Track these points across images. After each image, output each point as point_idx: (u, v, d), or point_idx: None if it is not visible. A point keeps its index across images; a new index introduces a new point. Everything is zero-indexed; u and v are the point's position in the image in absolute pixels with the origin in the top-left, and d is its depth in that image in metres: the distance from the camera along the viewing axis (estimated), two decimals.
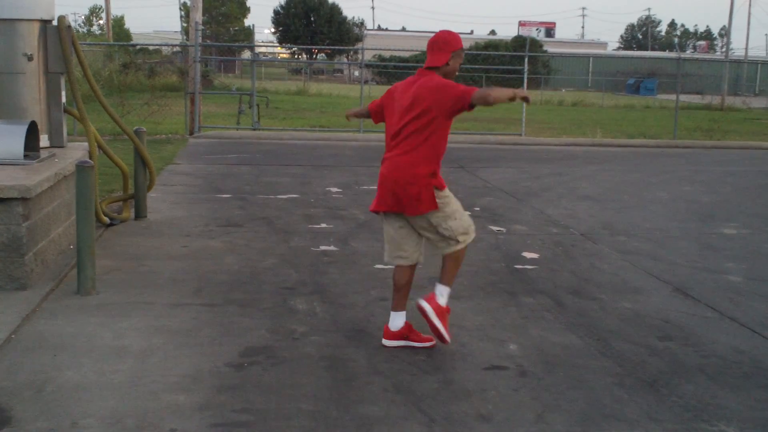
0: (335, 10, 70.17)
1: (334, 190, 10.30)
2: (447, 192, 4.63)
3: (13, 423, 3.59)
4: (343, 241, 7.43)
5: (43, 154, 6.53)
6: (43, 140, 6.84)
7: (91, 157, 7.01)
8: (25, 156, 6.18)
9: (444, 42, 4.56)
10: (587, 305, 5.73)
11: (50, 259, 6.08)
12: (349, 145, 16.39)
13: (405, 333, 4.73)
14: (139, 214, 8.09)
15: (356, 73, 56.79)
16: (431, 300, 4.63)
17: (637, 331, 5.21)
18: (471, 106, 4.41)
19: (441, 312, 4.63)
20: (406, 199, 4.53)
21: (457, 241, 4.63)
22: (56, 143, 7.06)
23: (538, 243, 7.66)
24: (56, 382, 4.03)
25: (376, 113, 4.90)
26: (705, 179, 12.83)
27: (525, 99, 4.39)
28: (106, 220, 7.54)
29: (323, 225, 8.15)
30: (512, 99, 4.31)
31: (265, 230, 7.79)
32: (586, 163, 14.51)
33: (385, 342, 4.74)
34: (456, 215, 4.63)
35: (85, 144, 7.34)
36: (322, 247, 7.18)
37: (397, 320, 4.74)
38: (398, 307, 4.74)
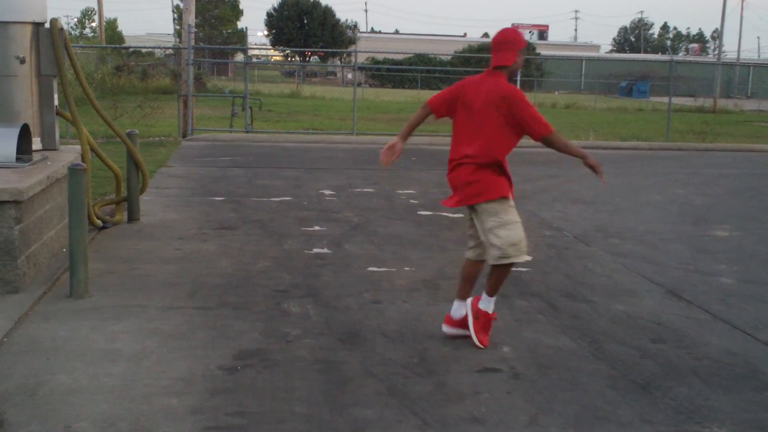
0: (328, 12, 70.20)
1: (328, 192, 10.30)
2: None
3: (6, 427, 3.58)
4: (336, 244, 7.43)
5: (36, 157, 6.51)
6: (36, 143, 6.82)
7: (83, 160, 6.99)
8: (17, 159, 6.17)
9: (513, 41, 4.73)
10: (580, 308, 5.74)
11: (43, 262, 6.06)
12: (342, 147, 16.40)
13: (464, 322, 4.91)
14: (132, 217, 8.08)
15: (349, 76, 56.84)
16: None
17: (630, 333, 5.22)
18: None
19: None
20: None
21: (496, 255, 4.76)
22: (49, 146, 7.04)
23: (531, 246, 7.63)
24: (49, 386, 4.02)
25: (441, 107, 4.93)
26: (697, 181, 12.87)
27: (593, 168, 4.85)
28: (99, 223, 7.53)
29: (316, 228, 8.15)
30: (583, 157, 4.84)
31: (258, 233, 7.78)
32: (579, 166, 14.51)
33: (445, 329, 4.97)
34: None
35: (78, 147, 7.33)
36: (316, 250, 7.18)
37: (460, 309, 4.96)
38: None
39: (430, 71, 47.80)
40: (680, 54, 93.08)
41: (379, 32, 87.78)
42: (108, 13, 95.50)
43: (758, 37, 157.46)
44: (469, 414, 3.91)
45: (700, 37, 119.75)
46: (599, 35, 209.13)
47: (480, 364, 4.57)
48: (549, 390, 4.24)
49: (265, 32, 72.33)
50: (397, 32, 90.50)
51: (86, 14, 77.15)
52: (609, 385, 4.33)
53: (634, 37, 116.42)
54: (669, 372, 4.57)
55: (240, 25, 65.99)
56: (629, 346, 4.97)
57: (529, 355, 4.75)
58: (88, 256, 5.66)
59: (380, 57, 53.40)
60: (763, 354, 4.93)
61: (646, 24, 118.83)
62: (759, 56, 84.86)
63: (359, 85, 36.13)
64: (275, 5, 70.38)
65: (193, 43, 17.56)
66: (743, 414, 4.04)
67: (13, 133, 6.16)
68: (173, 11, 58.85)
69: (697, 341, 5.12)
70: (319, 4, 69.87)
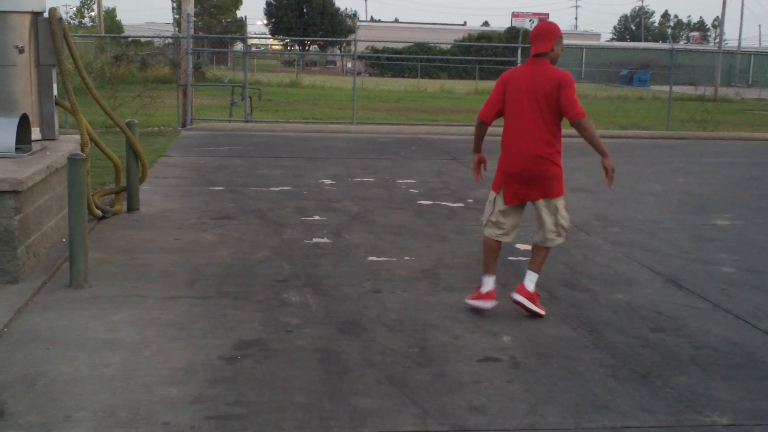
0: (328, 1, 69.93)
1: (327, 182, 10.28)
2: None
3: (6, 417, 3.58)
4: (336, 234, 7.42)
5: (35, 146, 6.50)
6: (35, 133, 6.80)
7: (82, 150, 6.97)
8: (16, 149, 6.15)
9: (547, 31, 5.08)
10: (580, 297, 5.74)
11: (42, 252, 6.06)
12: (341, 137, 16.37)
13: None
14: (132, 207, 8.07)
15: (349, 65, 56.70)
16: (521, 290, 5.19)
17: (630, 322, 5.22)
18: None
19: (532, 297, 5.20)
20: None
21: (558, 235, 5.20)
22: (48, 136, 7.02)
23: (531, 235, 7.65)
24: (49, 376, 4.02)
25: (491, 115, 5.27)
26: (698, 170, 12.85)
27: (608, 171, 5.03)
28: (99, 212, 7.52)
29: (316, 217, 8.14)
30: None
31: (257, 223, 7.77)
32: (579, 155, 14.47)
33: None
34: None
35: (77, 137, 7.31)
36: (315, 240, 7.17)
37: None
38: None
39: (430, 60, 47.70)
40: (681, 42, 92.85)
41: (379, 21, 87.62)
42: (107, 2, 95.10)
43: (759, 25, 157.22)
44: (469, 403, 3.91)
45: (700, 26, 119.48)
46: (600, 23, 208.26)
47: (480, 353, 4.57)
48: (549, 379, 4.24)
49: (265, 21, 72.11)
50: (396, 21, 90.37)
51: (85, 3, 76.89)
52: (609, 375, 4.34)
53: (634, 25, 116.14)
54: (669, 361, 4.57)
55: (239, 14, 65.69)
56: (629, 335, 4.97)
57: (529, 344, 4.75)
58: (88, 246, 5.65)
59: (380, 46, 53.22)
60: (764, 343, 4.93)
61: (646, 12, 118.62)
62: (760, 44, 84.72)
63: (359, 74, 36.04)
64: None
65: (192, 32, 17.51)
66: (743, 403, 4.04)
67: (12, 123, 6.14)
68: (172, 0, 58.65)
69: (697, 330, 5.12)
70: None
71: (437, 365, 4.37)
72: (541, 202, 5.15)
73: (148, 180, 8.81)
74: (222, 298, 5.38)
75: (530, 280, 5.19)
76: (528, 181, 5.09)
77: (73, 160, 5.48)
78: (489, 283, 5.26)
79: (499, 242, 5.33)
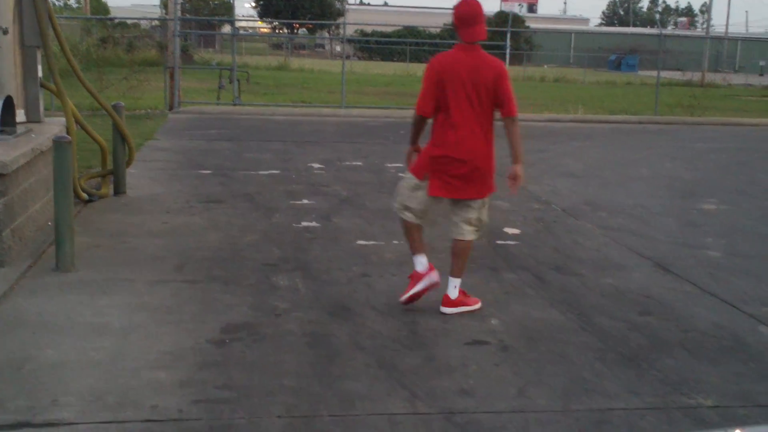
0: None
1: (316, 166, 10.25)
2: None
3: None
4: (325, 218, 7.40)
5: (20, 129, 6.44)
6: (20, 115, 6.73)
7: (68, 133, 6.92)
8: (1, 131, 6.09)
9: (480, 15, 4.70)
10: (569, 281, 5.76)
11: (28, 235, 6.01)
12: (330, 120, 16.31)
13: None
14: (119, 191, 8.01)
15: (338, 48, 56.45)
16: (446, 302, 4.94)
17: (618, 306, 5.24)
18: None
19: (459, 302, 4.95)
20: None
21: (477, 230, 5.00)
22: (33, 118, 6.96)
23: (520, 219, 7.67)
24: (36, 361, 4.00)
25: (430, 107, 4.81)
26: (686, 155, 12.89)
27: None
28: (85, 196, 7.47)
29: (305, 201, 8.11)
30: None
31: (246, 206, 7.74)
32: (568, 140, 14.53)
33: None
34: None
35: (63, 119, 7.25)
36: (304, 224, 7.15)
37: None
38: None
39: (419, 44, 47.48)
40: (669, 28, 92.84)
41: (368, 4, 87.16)
42: None
43: (746, 12, 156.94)
44: (457, 386, 3.92)
45: (688, 11, 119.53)
46: (588, 9, 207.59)
47: (468, 336, 4.58)
48: (537, 362, 4.26)
49: (253, 3, 71.57)
50: (386, 4, 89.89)
51: None
52: (597, 358, 4.35)
53: (623, 10, 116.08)
54: (656, 344, 4.59)
55: None
56: (617, 319, 4.99)
57: (518, 327, 4.76)
58: (74, 229, 5.62)
59: (369, 29, 53.04)
60: (750, 326, 4.97)
61: None
62: (747, 30, 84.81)
63: (348, 57, 35.85)
64: None
65: (179, 14, 17.37)
66: (729, 385, 4.07)
67: None
68: None
69: (684, 314, 5.14)
70: None
71: (426, 349, 4.38)
72: (470, 200, 4.91)
73: (135, 163, 8.75)
74: (211, 282, 5.36)
75: (453, 287, 4.91)
76: (460, 177, 4.80)
77: (58, 143, 5.43)
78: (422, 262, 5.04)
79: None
